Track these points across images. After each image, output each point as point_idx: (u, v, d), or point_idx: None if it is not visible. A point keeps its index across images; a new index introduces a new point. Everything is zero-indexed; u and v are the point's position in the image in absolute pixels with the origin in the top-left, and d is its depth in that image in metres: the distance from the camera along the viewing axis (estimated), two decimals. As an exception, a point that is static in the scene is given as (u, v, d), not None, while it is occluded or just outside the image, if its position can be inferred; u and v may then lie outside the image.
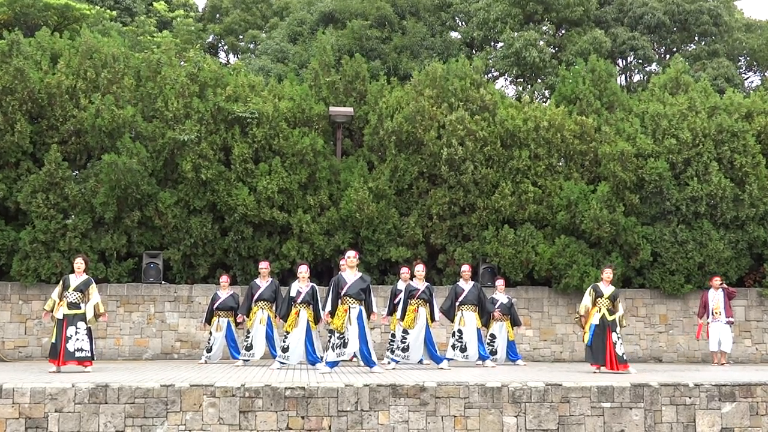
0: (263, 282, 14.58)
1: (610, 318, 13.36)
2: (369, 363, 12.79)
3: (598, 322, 13.36)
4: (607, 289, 13.54)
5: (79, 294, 12.91)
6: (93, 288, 13.05)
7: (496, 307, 15.22)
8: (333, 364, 12.77)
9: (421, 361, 14.26)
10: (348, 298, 12.73)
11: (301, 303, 13.67)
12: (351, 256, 13.06)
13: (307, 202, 17.16)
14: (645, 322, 17.52)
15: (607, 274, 13.67)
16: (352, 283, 12.81)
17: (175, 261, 16.87)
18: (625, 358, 13.40)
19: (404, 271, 15.09)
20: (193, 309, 16.57)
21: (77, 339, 12.73)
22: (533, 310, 17.44)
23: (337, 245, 16.95)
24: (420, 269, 14.03)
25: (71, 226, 16.16)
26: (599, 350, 13.26)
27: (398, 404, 10.65)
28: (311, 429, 10.49)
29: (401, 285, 14.67)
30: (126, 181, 15.93)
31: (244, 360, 14.37)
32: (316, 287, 13.96)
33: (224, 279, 15.46)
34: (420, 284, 13.93)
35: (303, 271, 13.83)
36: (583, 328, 13.67)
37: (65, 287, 12.92)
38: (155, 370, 13.09)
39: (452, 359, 14.39)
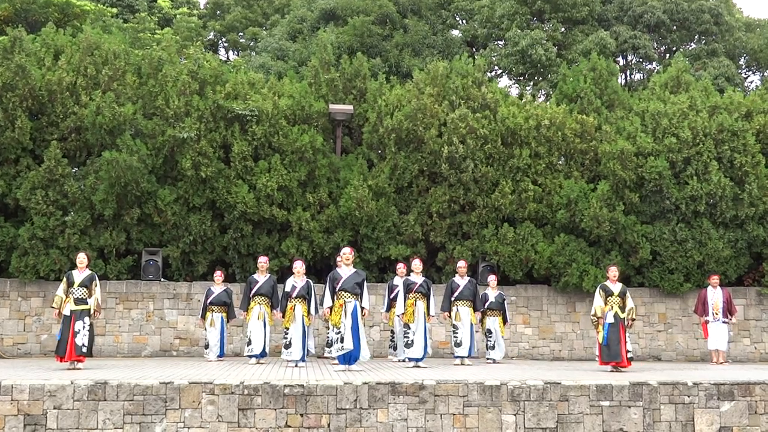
0: (261, 277, 14.55)
1: (622, 315, 13.57)
2: (349, 360, 12.85)
3: (612, 320, 13.54)
4: (616, 287, 13.79)
5: (84, 289, 12.97)
6: (96, 283, 13.13)
7: (486, 305, 15.23)
8: (342, 359, 12.80)
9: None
10: (343, 292, 12.79)
11: (296, 298, 13.70)
12: (346, 252, 13.12)
13: (306, 199, 17.16)
14: (644, 320, 17.53)
15: (613, 272, 13.90)
16: (347, 278, 12.87)
17: (174, 258, 16.87)
18: (630, 356, 13.54)
19: (400, 266, 15.18)
20: (192, 306, 16.57)
21: (83, 335, 12.82)
22: (532, 308, 17.44)
23: (337, 243, 16.94)
24: (417, 264, 14.07)
25: (70, 222, 16.15)
26: (616, 348, 13.40)
27: (397, 402, 10.66)
28: (310, 427, 10.49)
29: (397, 280, 14.71)
30: (125, 179, 15.92)
31: (249, 356, 14.29)
32: (311, 282, 13.97)
33: (218, 274, 15.49)
34: (418, 278, 13.96)
35: (298, 266, 13.85)
36: (597, 328, 13.79)
37: (70, 284, 12.96)
38: (154, 367, 13.10)
39: (459, 356, 14.47)
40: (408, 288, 13.88)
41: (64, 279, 13.11)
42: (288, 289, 13.82)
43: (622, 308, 13.63)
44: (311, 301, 13.82)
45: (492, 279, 15.68)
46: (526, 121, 17.74)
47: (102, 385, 10.38)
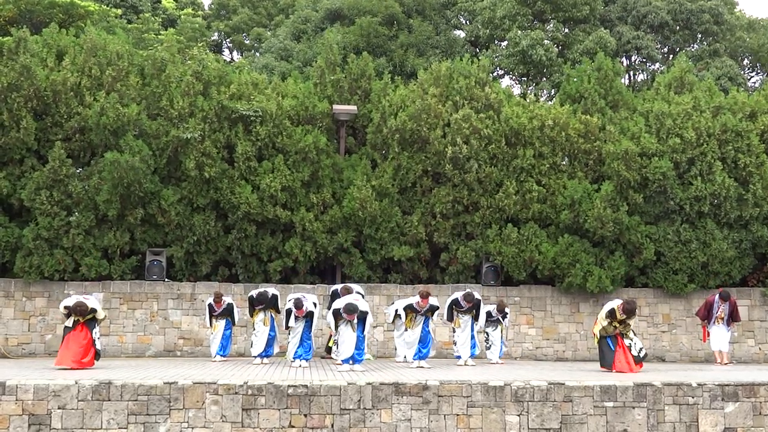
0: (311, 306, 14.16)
1: (620, 327, 13.63)
2: (345, 361, 13.07)
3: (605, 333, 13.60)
4: (623, 316, 13.58)
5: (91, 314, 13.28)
6: (98, 308, 13.35)
7: (487, 319, 15.18)
8: (346, 359, 12.99)
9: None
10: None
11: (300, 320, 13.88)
12: (351, 304, 13.05)
13: (310, 200, 17.15)
14: (648, 321, 17.49)
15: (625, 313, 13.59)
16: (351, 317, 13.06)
17: (178, 258, 16.88)
18: (641, 356, 13.54)
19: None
20: (196, 306, 16.58)
21: (98, 339, 13.22)
22: (536, 309, 17.42)
23: (340, 243, 16.95)
24: (423, 296, 14.04)
25: (74, 223, 16.17)
26: (606, 354, 13.47)
27: (401, 402, 10.66)
28: (314, 427, 10.51)
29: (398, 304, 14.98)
30: (129, 179, 15.94)
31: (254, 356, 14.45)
32: (314, 311, 13.91)
33: (218, 296, 15.19)
34: (422, 309, 14.00)
35: (298, 305, 13.57)
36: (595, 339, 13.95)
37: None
38: (158, 367, 13.12)
39: (459, 356, 14.53)
40: (413, 310, 14.10)
41: (64, 309, 13.18)
42: (291, 323, 13.80)
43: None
44: (313, 323, 13.99)
45: (501, 301, 15.59)
46: (530, 121, 17.73)
47: (106, 385, 10.40)
